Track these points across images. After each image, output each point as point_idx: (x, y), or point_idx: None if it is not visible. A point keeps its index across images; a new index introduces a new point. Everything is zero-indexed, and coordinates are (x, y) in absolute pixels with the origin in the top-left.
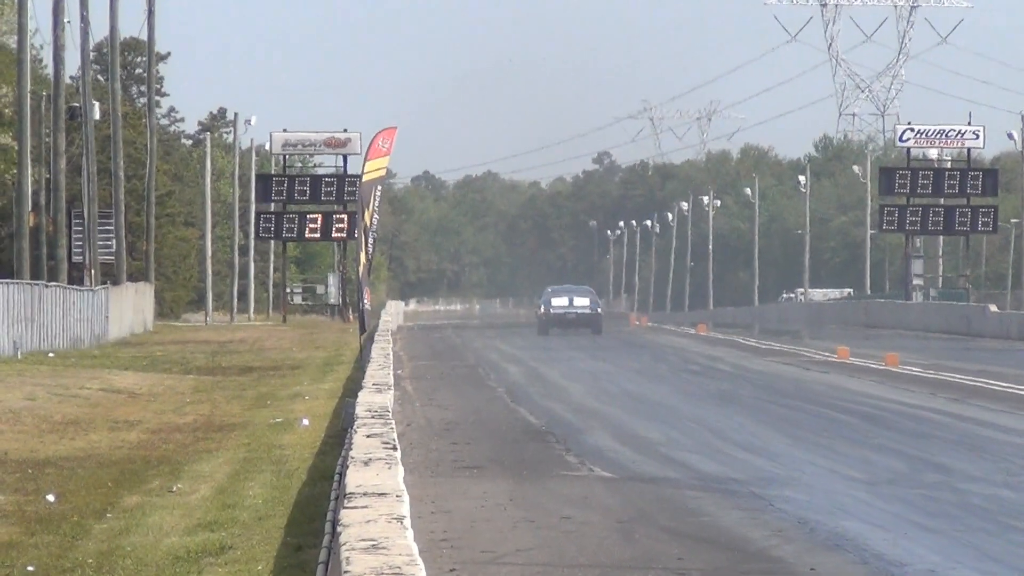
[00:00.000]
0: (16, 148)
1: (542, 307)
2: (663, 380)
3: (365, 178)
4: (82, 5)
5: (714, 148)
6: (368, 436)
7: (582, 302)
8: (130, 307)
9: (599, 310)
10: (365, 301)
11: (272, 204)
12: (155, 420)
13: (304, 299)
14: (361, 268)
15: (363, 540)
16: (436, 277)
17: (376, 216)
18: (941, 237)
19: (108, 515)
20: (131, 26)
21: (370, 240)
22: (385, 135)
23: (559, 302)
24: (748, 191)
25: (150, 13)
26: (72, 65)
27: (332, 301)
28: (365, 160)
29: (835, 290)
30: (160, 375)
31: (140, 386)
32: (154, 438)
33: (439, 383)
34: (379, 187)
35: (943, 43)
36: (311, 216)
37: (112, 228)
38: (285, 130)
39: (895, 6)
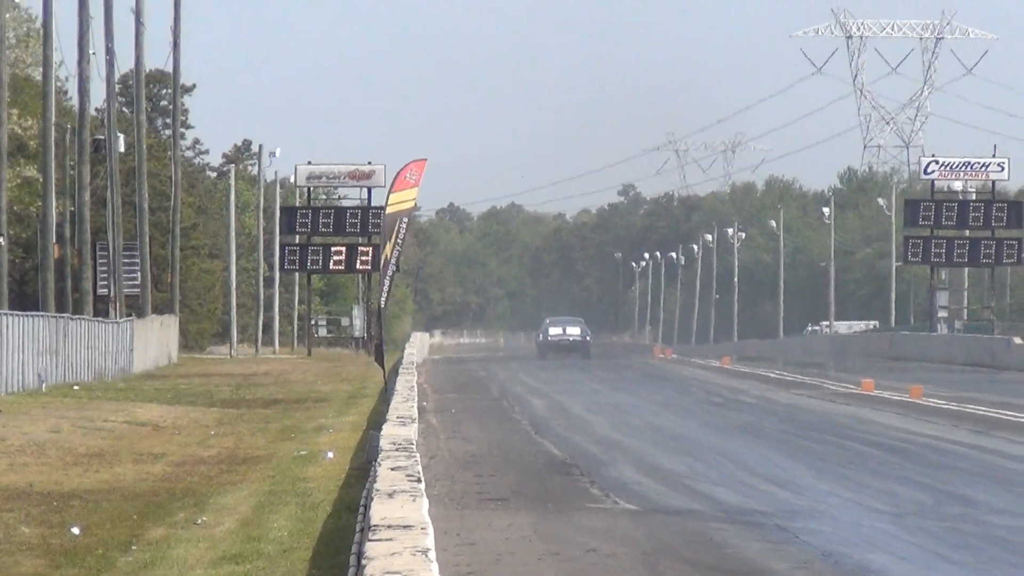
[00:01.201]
0: (41, 180)
1: (540, 335)
2: (687, 412)
3: (389, 210)
4: (107, 37)
5: (739, 180)
6: (393, 469)
7: (574, 331)
8: (155, 340)
9: (588, 338)
10: (376, 335)
11: (296, 236)
12: (180, 453)
13: (329, 332)
14: (382, 301)
15: (388, 573)
16: (461, 309)
17: (398, 249)
18: (966, 269)
19: (133, 548)
20: (156, 58)
21: (388, 273)
22: (414, 167)
23: (555, 331)
24: (773, 223)
25: (175, 45)
26: (97, 97)
27: (357, 334)
28: (390, 192)
29: (860, 322)
30: (185, 408)
31: (164, 419)
32: (179, 471)
33: (463, 416)
34: (405, 219)
35: (968, 74)
36: (335, 248)
37: (137, 260)
38: (310, 162)
39: (920, 38)
